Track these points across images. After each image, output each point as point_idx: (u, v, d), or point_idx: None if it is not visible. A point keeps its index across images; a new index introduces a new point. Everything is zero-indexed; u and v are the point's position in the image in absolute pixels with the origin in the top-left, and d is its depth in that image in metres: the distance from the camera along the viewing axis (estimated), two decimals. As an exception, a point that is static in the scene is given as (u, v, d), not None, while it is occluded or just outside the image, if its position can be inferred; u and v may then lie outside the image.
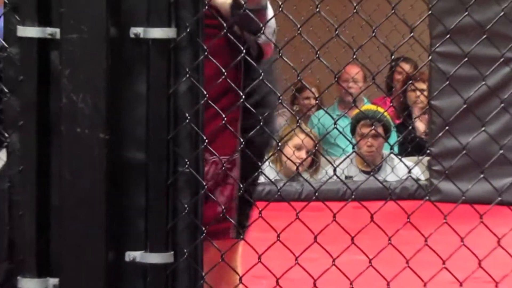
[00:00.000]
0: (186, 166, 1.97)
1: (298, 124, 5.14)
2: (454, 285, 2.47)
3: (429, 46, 5.02)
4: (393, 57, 5.90)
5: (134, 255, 1.97)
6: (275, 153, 5.44)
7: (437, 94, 5.17)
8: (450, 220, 2.51)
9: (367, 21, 2.35)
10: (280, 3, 2.25)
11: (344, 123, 6.00)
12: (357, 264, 2.38)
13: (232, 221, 2.55)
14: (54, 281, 1.97)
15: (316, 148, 5.79)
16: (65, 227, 1.97)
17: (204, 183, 2.05)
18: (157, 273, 1.97)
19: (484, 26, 4.50)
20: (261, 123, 2.34)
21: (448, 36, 4.79)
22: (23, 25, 1.97)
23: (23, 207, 1.98)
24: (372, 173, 5.64)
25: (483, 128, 4.90)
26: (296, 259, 2.27)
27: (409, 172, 5.39)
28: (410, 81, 6.29)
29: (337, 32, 2.24)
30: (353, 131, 5.87)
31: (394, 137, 6.15)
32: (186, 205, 1.97)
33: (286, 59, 2.25)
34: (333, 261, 2.28)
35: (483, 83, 4.91)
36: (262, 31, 2.52)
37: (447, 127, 4.91)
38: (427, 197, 5.08)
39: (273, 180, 5.37)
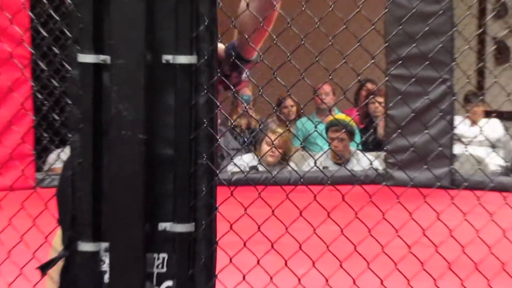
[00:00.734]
0: (204, 159, 1.97)
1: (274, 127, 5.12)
2: (404, 249, 2.47)
3: (385, 69, 5.02)
4: (360, 78, 5.89)
5: (165, 226, 1.96)
6: (257, 148, 5.55)
7: (391, 105, 5.17)
8: (401, 200, 2.51)
9: (340, 51, 2.33)
10: (274, 37, 2.24)
11: (321, 127, 5.98)
12: (332, 233, 2.38)
13: None
14: (105, 244, 1.97)
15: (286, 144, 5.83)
16: (113, 205, 1.96)
17: (217, 172, 2.05)
18: (182, 239, 1.96)
19: (427, 55, 4.50)
20: None
21: (400, 62, 4.79)
22: (82, 53, 1.96)
23: (82, 190, 1.97)
24: (342, 164, 5.65)
25: (426, 131, 4.90)
26: (286, 229, 2.27)
27: (371, 164, 5.38)
28: (372, 96, 6.27)
29: (317, 59, 2.24)
30: (326, 134, 5.86)
31: (358, 138, 6.14)
32: (204, 189, 1.96)
33: (279, 79, 2.24)
34: (314, 230, 2.28)
35: (426, 97, 4.90)
36: (246, 74, 2.49)
37: (399, 130, 4.90)
38: (384, 183, 5.08)
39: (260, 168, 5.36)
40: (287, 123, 6.33)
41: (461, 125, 5.73)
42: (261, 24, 2.22)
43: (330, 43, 2.25)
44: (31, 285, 2.31)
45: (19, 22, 3.26)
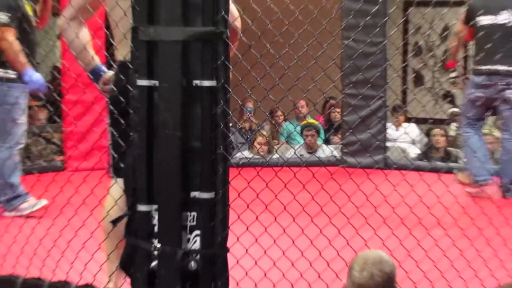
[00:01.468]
0: (221, 150, 1.94)
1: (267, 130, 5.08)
2: (354, 209, 2.46)
3: (342, 90, 4.99)
4: (324, 95, 5.88)
5: (194, 194, 1.94)
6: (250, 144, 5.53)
7: (345, 113, 5.15)
8: (352, 177, 2.50)
9: (311, 77, 2.32)
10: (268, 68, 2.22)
11: (298, 129, 5.97)
12: (306, 199, 2.37)
13: None
14: (155, 206, 1.95)
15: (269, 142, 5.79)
16: (160, 180, 1.95)
17: (229, 158, 2.03)
18: (206, 203, 1.94)
19: (369, 80, 4.47)
20: None
21: (351, 85, 4.75)
22: (140, 79, 1.94)
23: (139, 170, 1.96)
24: (313, 153, 5.62)
25: (368, 131, 4.86)
26: (275, 196, 2.26)
27: (332, 153, 5.36)
28: (333, 107, 6.25)
29: (296, 82, 2.22)
30: (301, 133, 5.84)
31: (323, 135, 6.11)
32: (220, 169, 1.94)
33: (271, 97, 2.22)
34: (294, 197, 2.26)
35: (368, 108, 4.86)
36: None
37: (350, 130, 4.88)
38: (340, 165, 5.07)
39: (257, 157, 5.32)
40: (276, 126, 6.29)
41: (391, 127, 5.71)
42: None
43: (305, 72, 2.23)
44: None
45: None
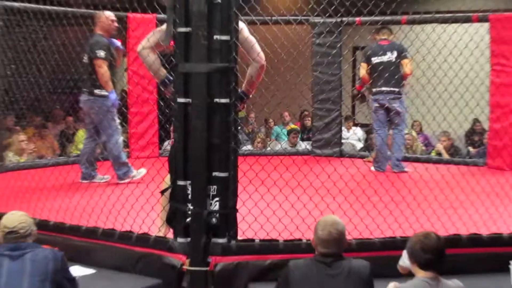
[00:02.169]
0: (233, 144, 1.94)
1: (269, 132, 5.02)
2: (320, 183, 2.45)
3: (312, 105, 4.97)
4: (301, 109, 5.87)
5: (215, 173, 1.94)
6: (252, 141, 5.46)
7: (315, 121, 5.15)
8: (319, 162, 2.50)
9: (293, 97, 2.32)
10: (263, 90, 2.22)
11: (284, 131, 5.95)
12: (289, 176, 2.37)
13: None
14: (189, 182, 1.95)
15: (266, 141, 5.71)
16: (193, 164, 1.94)
17: (238, 149, 2.02)
18: (223, 179, 1.94)
19: (330, 98, 4.45)
20: None
21: (319, 101, 4.72)
22: (179, 97, 1.93)
23: (179, 157, 1.95)
24: (293, 147, 5.61)
25: (329, 132, 4.85)
26: (268, 175, 2.25)
27: (306, 147, 5.36)
28: (306, 116, 6.23)
29: (281, 100, 2.22)
30: (288, 134, 5.80)
31: (300, 136, 6.09)
32: (232, 157, 1.93)
33: (266, 110, 2.21)
34: (281, 175, 2.26)
35: (329, 117, 4.83)
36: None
37: (318, 131, 4.88)
38: (312, 154, 5.06)
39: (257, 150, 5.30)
40: (269, 129, 6.28)
41: (344, 130, 5.71)
42: (254, 80, 2.16)
43: (288, 93, 2.23)
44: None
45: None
